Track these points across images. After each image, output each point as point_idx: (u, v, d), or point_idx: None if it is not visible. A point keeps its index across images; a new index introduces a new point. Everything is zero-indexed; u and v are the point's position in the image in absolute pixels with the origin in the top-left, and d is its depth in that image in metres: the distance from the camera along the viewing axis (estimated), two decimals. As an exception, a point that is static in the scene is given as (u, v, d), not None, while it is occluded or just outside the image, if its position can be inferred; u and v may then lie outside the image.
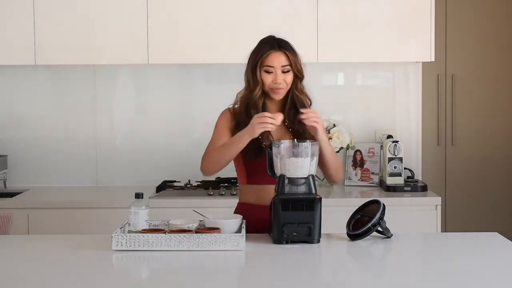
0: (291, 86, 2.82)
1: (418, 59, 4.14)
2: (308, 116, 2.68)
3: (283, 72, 2.78)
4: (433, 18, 4.02)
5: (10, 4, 4.01)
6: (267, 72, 2.78)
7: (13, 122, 4.31)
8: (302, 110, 2.70)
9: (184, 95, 4.33)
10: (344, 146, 4.16)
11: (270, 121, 2.64)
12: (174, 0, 4.01)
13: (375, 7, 4.03)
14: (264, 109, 2.82)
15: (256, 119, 2.66)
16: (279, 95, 2.81)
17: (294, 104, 2.84)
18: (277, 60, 2.78)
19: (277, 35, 2.86)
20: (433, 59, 4.04)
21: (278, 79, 2.77)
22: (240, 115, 2.82)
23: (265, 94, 2.83)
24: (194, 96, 4.32)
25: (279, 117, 2.67)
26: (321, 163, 2.79)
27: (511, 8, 5.10)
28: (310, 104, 2.87)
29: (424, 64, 4.40)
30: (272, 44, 2.80)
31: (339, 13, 4.01)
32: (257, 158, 2.76)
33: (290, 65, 2.78)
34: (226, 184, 4.09)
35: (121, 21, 3.98)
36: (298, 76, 2.82)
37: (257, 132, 2.66)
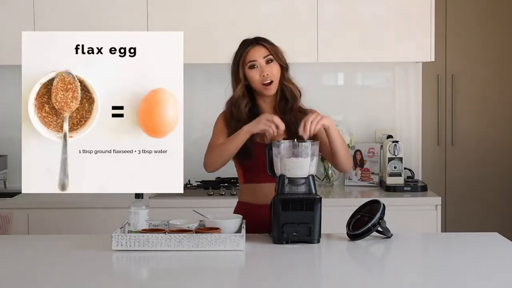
0: (279, 79, 2.83)
1: (418, 59, 4.14)
2: (308, 128, 2.64)
3: (267, 63, 2.80)
4: (433, 18, 4.02)
5: (10, 4, 4.02)
6: (252, 67, 2.80)
7: (13, 122, 4.31)
8: (299, 129, 2.65)
9: (184, 95, 4.32)
10: (344, 146, 4.16)
11: (275, 126, 2.64)
12: (174, 0, 4.01)
13: (375, 7, 4.03)
14: (257, 110, 2.85)
15: (264, 118, 2.67)
16: (271, 90, 2.82)
17: (284, 95, 2.86)
18: (258, 52, 2.81)
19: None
20: (433, 59, 4.04)
21: (264, 71, 2.79)
22: (228, 122, 2.85)
23: (252, 95, 2.85)
24: (194, 96, 4.32)
25: (282, 126, 2.66)
26: (332, 153, 2.78)
27: (511, 8, 5.10)
28: (300, 95, 2.88)
29: (424, 64, 4.40)
30: (249, 41, 2.85)
31: (339, 13, 4.02)
32: (245, 160, 2.78)
33: (272, 54, 2.80)
34: (226, 184, 4.09)
35: (121, 21, 3.98)
36: (283, 66, 2.84)
37: (258, 128, 2.66)
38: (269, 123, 2.65)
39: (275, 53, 2.82)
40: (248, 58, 2.81)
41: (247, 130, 2.70)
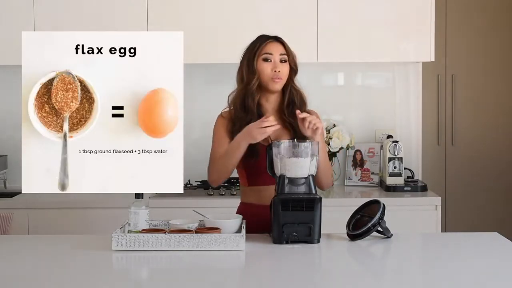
0: (287, 80, 2.83)
1: (418, 59, 4.14)
2: (312, 124, 2.65)
3: (281, 62, 2.80)
4: (433, 18, 4.02)
5: (10, 4, 4.02)
6: (266, 60, 2.79)
7: (13, 122, 4.31)
8: (302, 115, 2.67)
9: (184, 95, 4.32)
10: (344, 146, 4.16)
11: (268, 128, 2.61)
12: (174, 0, 4.01)
13: (375, 7, 4.03)
14: (260, 109, 2.83)
15: (254, 127, 2.63)
16: (278, 85, 2.80)
17: (291, 98, 2.85)
18: (276, 48, 2.81)
19: (277, 35, 2.88)
20: (433, 59, 4.05)
21: (278, 67, 2.78)
22: (236, 115, 2.82)
23: (260, 93, 2.83)
24: (194, 96, 4.31)
25: (271, 118, 2.65)
26: None
27: (511, 8, 5.10)
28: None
29: (424, 64, 4.40)
30: (268, 36, 2.85)
31: (339, 13, 4.02)
32: (252, 159, 2.76)
33: (287, 55, 2.81)
34: (226, 184, 4.09)
35: (121, 21, 3.99)
36: (294, 69, 2.84)
37: (259, 138, 2.64)
38: (263, 130, 2.61)
39: (290, 53, 2.83)
40: (265, 50, 2.80)
41: (246, 144, 2.66)
